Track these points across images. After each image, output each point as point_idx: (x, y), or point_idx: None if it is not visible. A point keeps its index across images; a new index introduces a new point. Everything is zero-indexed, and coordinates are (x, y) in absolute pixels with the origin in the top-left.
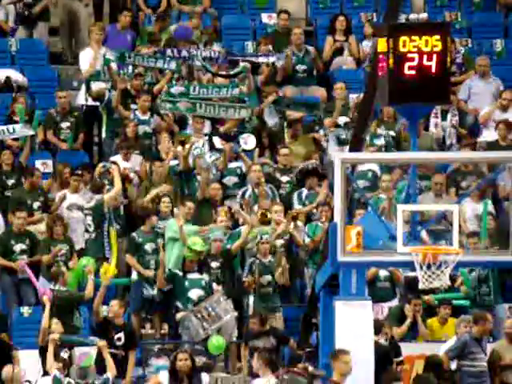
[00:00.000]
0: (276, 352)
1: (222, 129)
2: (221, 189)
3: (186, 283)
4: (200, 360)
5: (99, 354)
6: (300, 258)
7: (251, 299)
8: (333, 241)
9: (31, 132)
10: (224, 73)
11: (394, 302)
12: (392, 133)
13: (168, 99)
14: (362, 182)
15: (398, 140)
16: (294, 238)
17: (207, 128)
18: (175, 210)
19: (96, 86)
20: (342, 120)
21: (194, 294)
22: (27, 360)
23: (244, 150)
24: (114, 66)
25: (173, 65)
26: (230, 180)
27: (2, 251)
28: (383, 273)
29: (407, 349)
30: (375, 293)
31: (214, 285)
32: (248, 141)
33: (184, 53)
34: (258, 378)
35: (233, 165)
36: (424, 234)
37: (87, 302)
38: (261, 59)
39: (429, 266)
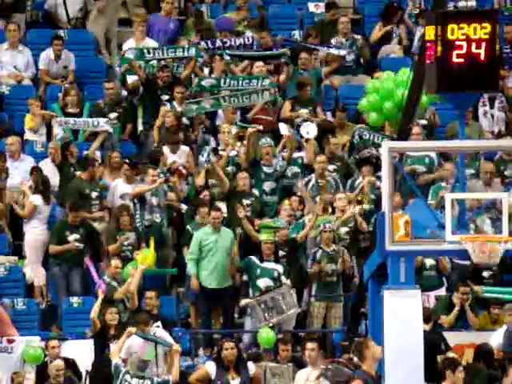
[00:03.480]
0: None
1: (249, 115)
2: (248, 178)
3: (258, 271)
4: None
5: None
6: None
7: (314, 288)
8: (381, 229)
9: (111, 129)
10: (260, 53)
11: (441, 291)
12: (423, 121)
13: (193, 101)
14: (418, 167)
15: (430, 127)
16: (358, 224)
17: (238, 116)
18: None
19: (131, 78)
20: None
21: (263, 283)
22: (78, 350)
23: (306, 139)
24: (134, 62)
25: (192, 51)
26: (292, 170)
27: (56, 241)
28: (429, 261)
29: (457, 337)
30: (421, 282)
31: (283, 277)
32: (309, 129)
33: (218, 43)
34: (304, 368)
35: (294, 155)
36: (483, 223)
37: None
38: (332, 51)
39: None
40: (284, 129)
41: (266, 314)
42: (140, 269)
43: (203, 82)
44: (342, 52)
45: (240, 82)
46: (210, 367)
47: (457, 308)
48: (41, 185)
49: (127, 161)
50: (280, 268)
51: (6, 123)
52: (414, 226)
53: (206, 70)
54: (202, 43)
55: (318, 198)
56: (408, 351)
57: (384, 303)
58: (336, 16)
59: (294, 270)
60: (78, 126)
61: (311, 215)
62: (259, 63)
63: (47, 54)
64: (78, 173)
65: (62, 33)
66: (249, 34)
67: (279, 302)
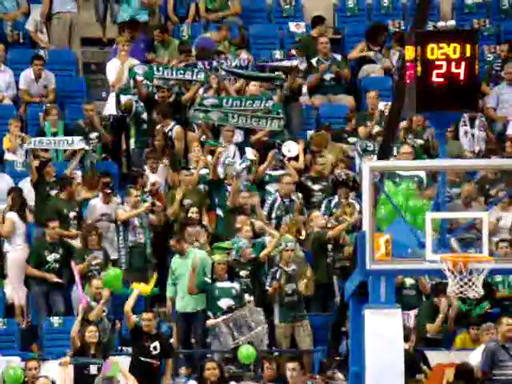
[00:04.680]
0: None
1: (252, 139)
2: (250, 197)
3: (217, 292)
4: (229, 369)
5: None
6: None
7: (276, 310)
8: (361, 249)
9: (87, 147)
10: (254, 74)
11: None
12: (420, 141)
13: (201, 109)
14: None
15: (426, 148)
16: (342, 237)
17: (240, 137)
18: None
19: (124, 98)
20: (377, 129)
21: (224, 303)
22: (58, 370)
23: (288, 158)
24: (139, 77)
25: (201, 76)
26: (274, 187)
27: (35, 261)
28: (409, 281)
29: (437, 357)
30: (401, 300)
31: (246, 295)
32: (291, 148)
33: (214, 64)
34: None
35: (277, 173)
36: (454, 243)
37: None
38: (284, 63)
39: (461, 273)
40: (250, 153)
41: (236, 333)
42: (134, 293)
43: (205, 102)
44: (295, 62)
45: (243, 103)
46: None
47: (441, 315)
48: (16, 203)
49: (108, 190)
50: (237, 285)
51: None
52: (395, 245)
53: (201, 90)
54: (199, 64)
55: (286, 218)
56: (389, 370)
57: (365, 322)
58: (316, 34)
59: (257, 289)
60: (51, 146)
61: (274, 238)
62: (255, 82)
63: (27, 74)
64: (54, 192)
65: (42, 53)
66: (244, 55)
67: (247, 319)
